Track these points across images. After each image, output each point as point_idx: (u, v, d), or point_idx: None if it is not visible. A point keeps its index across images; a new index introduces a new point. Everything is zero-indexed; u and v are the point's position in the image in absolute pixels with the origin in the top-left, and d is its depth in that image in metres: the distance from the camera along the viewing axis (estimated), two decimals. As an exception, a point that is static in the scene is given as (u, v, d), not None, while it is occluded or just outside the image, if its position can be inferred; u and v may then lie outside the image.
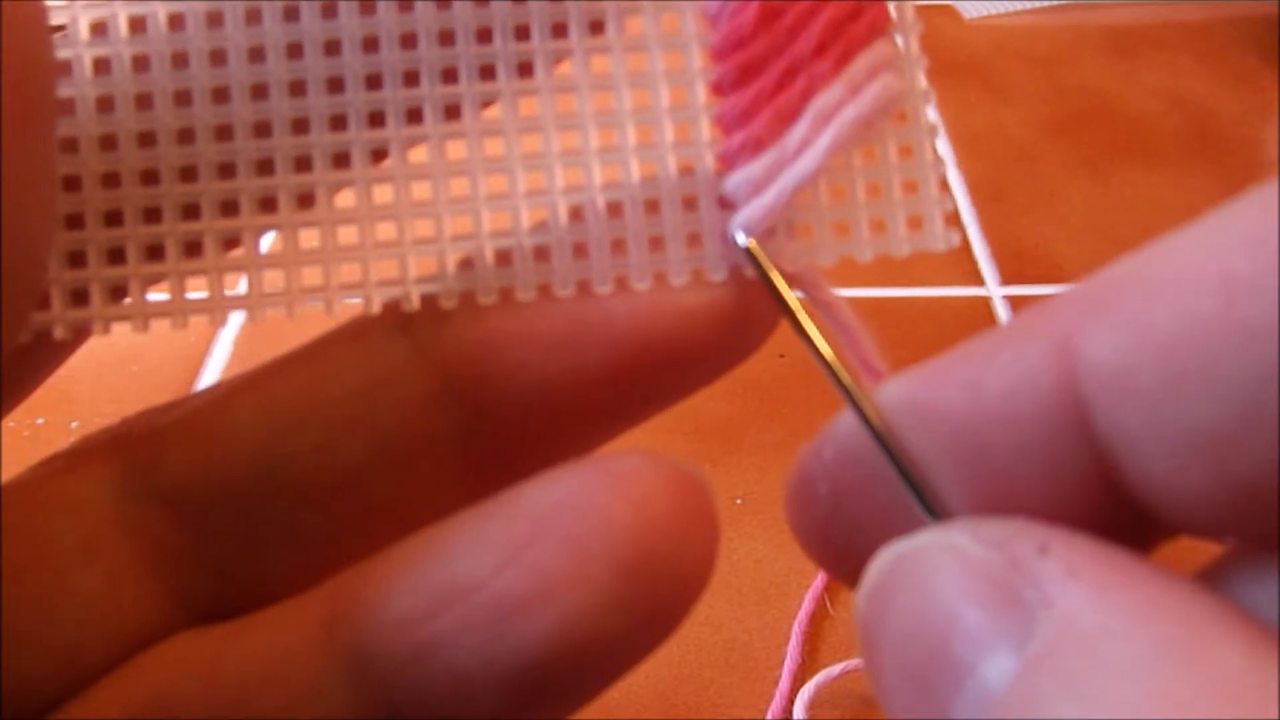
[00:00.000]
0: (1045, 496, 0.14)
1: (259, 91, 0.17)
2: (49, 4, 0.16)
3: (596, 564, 0.14)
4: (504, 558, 0.14)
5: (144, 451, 0.17)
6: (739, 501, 0.44)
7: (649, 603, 0.14)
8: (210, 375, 0.51)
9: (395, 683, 0.15)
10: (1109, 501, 0.14)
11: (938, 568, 0.13)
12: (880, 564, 0.14)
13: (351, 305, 0.17)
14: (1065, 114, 0.67)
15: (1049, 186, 0.62)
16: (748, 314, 0.17)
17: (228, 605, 0.17)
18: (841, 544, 0.16)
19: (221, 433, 0.17)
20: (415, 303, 0.17)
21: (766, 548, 0.43)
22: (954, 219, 0.17)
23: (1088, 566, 0.13)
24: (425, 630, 0.14)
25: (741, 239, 0.16)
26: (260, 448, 0.17)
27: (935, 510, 0.15)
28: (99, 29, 0.17)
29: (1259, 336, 0.12)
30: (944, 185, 0.17)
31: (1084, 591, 0.12)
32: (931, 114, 0.17)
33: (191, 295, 0.17)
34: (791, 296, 0.16)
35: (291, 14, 0.17)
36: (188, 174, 0.17)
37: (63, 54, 0.17)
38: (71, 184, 0.17)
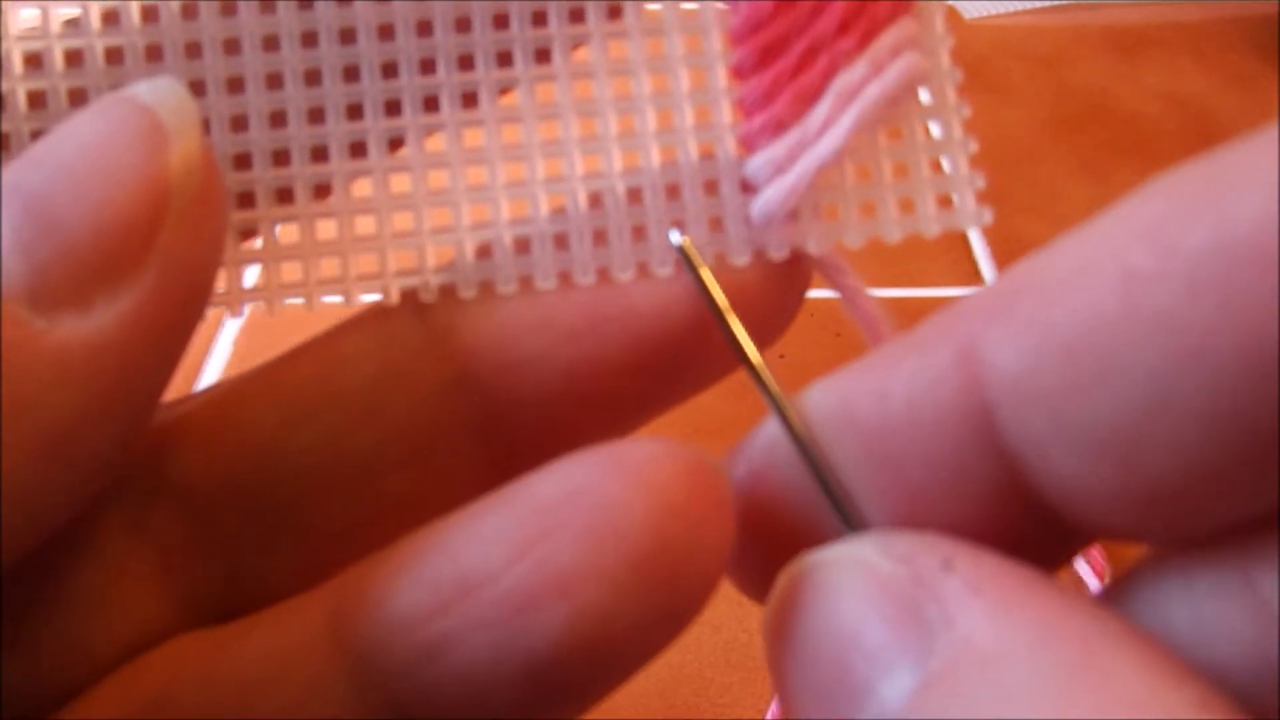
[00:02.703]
0: (957, 506, 0.14)
1: (274, 80, 0.17)
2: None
3: (611, 556, 0.13)
4: (515, 551, 0.14)
5: (151, 447, 0.17)
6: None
7: (665, 595, 0.14)
8: (211, 373, 0.50)
9: (401, 683, 0.14)
10: (1023, 510, 0.14)
11: (843, 582, 0.13)
12: (787, 577, 0.14)
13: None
14: (1065, 114, 0.67)
15: (1049, 186, 0.62)
16: (772, 297, 0.17)
17: (234, 604, 0.17)
18: (753, 560, 0.15)
19: (230, 426, 0.17)
20: (434, 292, 0.16)
21: (773, 549, 0.43)
22: (996, 200, 0.16)
23: (990, 584, 0.12)
24: (433, 628, 0.14)
25: (676, 237, 0.16)
26: (269, 440, 0.17)
27: (853, 521, 0.14)
28: (110, 17, 0.16)
29: (1163, 330, 0.12)
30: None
31: (985, 610, 0.12)
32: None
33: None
34: (722, 298, 0.16)
35: (305, 3, 0.16)
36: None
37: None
38: None
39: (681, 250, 0.16)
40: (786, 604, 0.14)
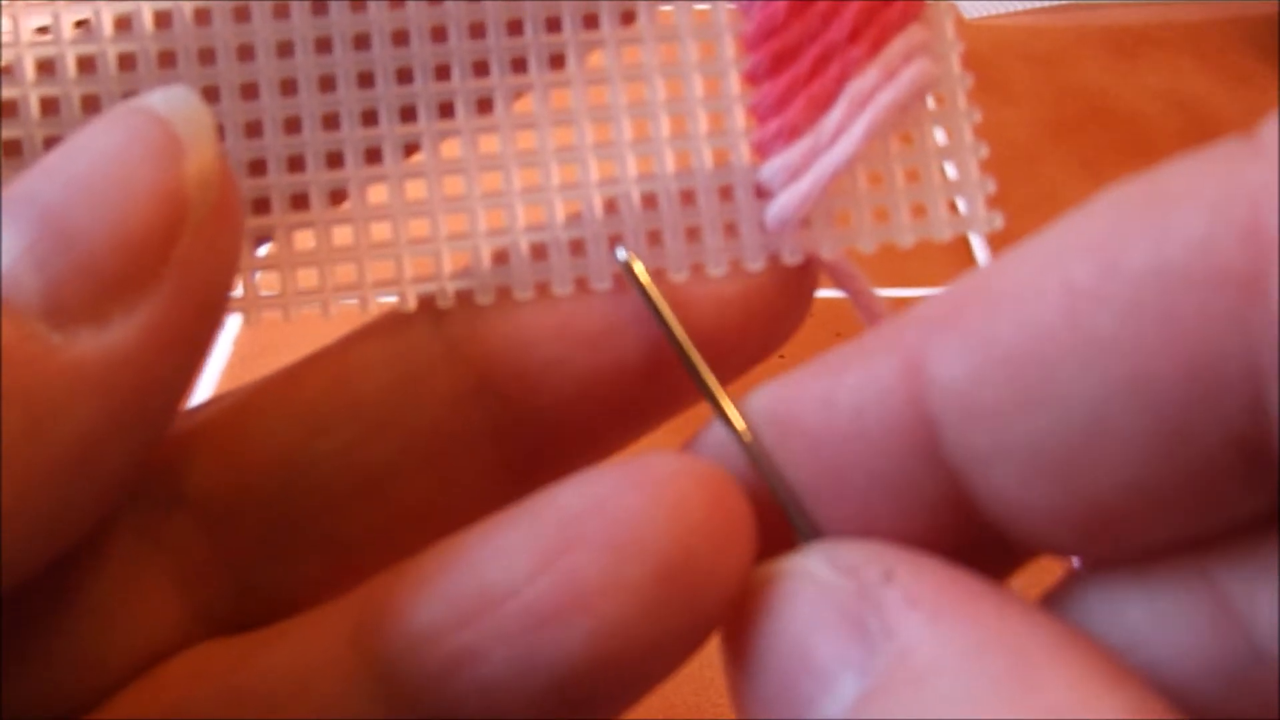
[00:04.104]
0: (901, 516, 0.14)
1: (288, 87, 0.17)
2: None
3: (632, 570, 0.13)
4: (537, 564, 0.14)
5: (167, 458, 0.17)
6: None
7: (686, 609, 0.14)
8: (211, 372, 0.50)
9: (425, 696, 0.14)
10: (967, 522, 0.14)
11: (792, 596, 0.13)
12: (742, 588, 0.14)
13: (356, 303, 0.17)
14: (1065, 114, 0.67)
15: (1049, 186, 0.62)
16: (782, 301, 0.17)
17: (251, 613, 0.17)
18: None
19: (247, 436, 0.17)
20: (450, 299, 0.17)
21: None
22: (997, 201, 0.17)
23: (928, 594, 0.12)
24: (456, 641, 0.14)
25: (621, 254, 0.16)
26: (287, 450, 0.17)
27: (801, 525, 0.14)
28: (123, 23, 0.16)
29: (1104, 350, 0.12)
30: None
31: (922, 622, 0.12)
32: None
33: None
34: (668, 310, 0.16)
35: (320, 8, 0.16)
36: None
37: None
38: None
39: (625, 266, 0.16)
40: (740, 615, 0.14)
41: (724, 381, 0.17)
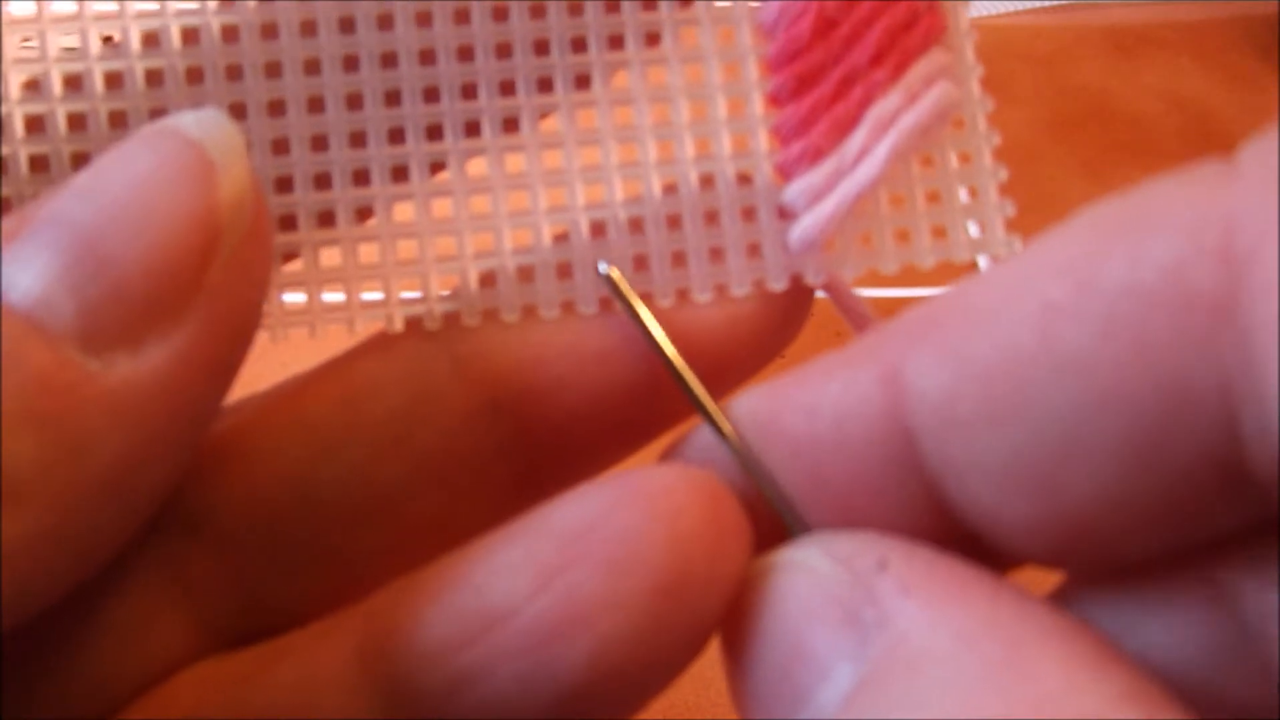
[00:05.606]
0: (883, 523, 0.14)
1: (315, 104, 0.17)
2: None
3: (631, 585, 0.14)
4: (538, 583, 0.14)
5: None
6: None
7: (685, 620, 0.14)
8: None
9: (429, 712, 0.14)
10: (947, 531, 0.14)
11: (789, 587, 0.14)
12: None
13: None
14: (1065, 114, 0.67)
15: (1049, 186, 0.62)
16: (786, 315, 0.17)
17: (258, 629, 0.17)
18: None
19: (256, 458, 0.17)
20: (477, 316, 0.17)
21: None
22: (1015, 224, 0.17)
23: (922, 583, 0.13)
24: (462, 660, 0.14)
25: (603, 267, 0.16)
26: (297, 470, 0.17)
27: (792, 521, 0.15)
28: (150, 39, 0.17)
29: (1079, 367, 0.12)
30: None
31: (915, 609, 0.12)
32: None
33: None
34: (654, 323, 0.16)
35: (347, 26, 0.17)
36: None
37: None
38: None
39: (609, 280, 0.16)
40: (737, 609, 0.14)
41: (734, 388, 0.18)
